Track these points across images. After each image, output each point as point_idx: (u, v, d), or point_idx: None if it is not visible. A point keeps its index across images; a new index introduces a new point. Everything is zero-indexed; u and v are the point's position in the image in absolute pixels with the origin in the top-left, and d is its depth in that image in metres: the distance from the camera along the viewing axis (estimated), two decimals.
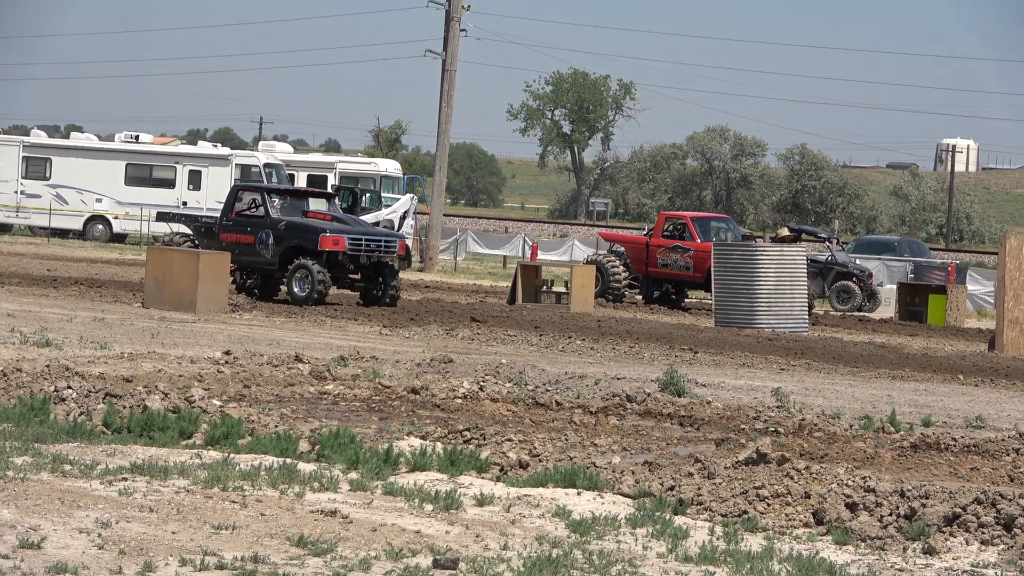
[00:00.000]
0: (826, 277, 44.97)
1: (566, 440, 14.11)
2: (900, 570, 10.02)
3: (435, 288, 42.38)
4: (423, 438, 13.53)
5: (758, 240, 42.44)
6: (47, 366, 16.32)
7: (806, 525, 11.19)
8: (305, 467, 11.97)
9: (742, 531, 10.87)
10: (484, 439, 13.59)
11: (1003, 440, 15.42)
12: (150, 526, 9.78)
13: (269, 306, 30.62)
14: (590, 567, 9.49)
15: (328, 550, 9.45)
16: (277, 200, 32.82)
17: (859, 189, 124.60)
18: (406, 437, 13.47)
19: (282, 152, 64.12)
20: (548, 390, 18.14)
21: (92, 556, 8.98)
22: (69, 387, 14.60)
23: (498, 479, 12.23)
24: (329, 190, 46.09)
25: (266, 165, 57.05)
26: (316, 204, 33.66)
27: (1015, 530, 10.71)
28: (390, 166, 62.91)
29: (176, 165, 58.67)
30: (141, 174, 58.87)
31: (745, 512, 11.33)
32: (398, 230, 45.38)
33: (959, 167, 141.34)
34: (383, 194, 55.60)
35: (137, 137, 61.01)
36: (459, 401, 16.61)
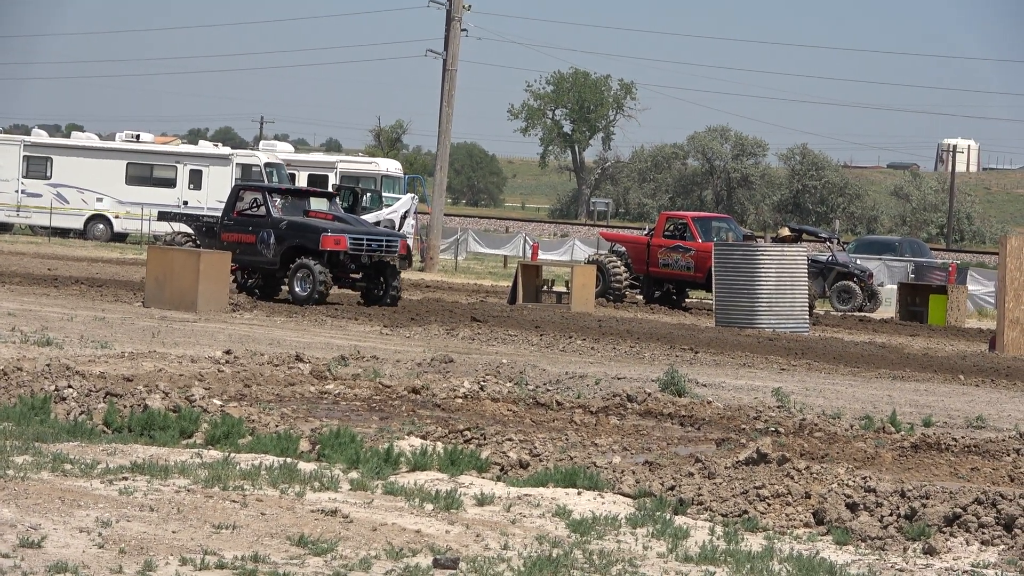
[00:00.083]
0: (827, 277, 44.96)
1: (566, 440, 14.11)
2: (900, 570, 10.02)
3: (436, 288, 42.38)
4: (423, 438, 13.53)
5: (759, 240, 42.41)
6: (48, 365, 16.32)
7: (806, 525, 11.19)
8: (305, 466, 11.97)
9: (742, 531, 10.87)
10: (484, 439, 13.59)
11: (1004, 440, 15.42)
12: (150, 525, 9.78)
13: (270, 305, 30.63)
14: (590, 567, 9.49)
15: (328, 550, 9.45)
16: (279, 200, 32.83)
17: (860, 189, 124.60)
18: (406, 437, 13.47)
19: (283, 152, 64.15)
20: (549, 390, 18.14)
21: (92, 555, 8.98)
22: (70, 386, 14.60)
23: (498, 479, 12.23)
24: (330, 190, 46.11)
25: (267, 165, 57.05)
26: (317, 204, 33.67)
27: (1015, 530, 10.71)
28: (391, 166, 62.94)
29: (177, 164, 58.67)
30: (142, 173, 58.87)
31: (745, 512, 11.34)
32: (399, 230, 45.37)
33: (960, 167, 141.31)
34: (384, 194, 55.64)
35: (138, 136, 61.01)
36: (460, 401, 16.61)
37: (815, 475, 11.89)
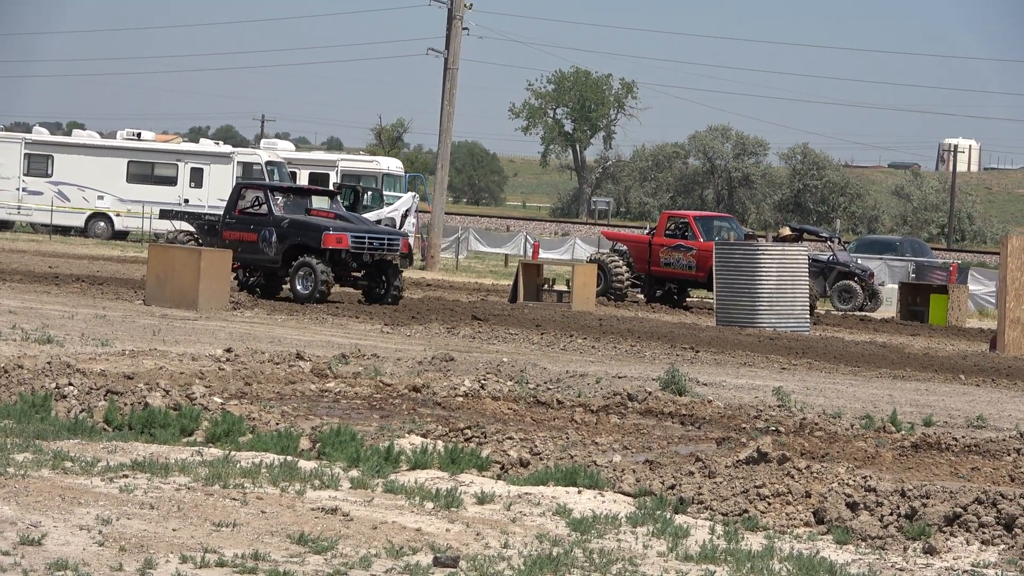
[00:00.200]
0: (828, 277, 44.96)
1: (567, 438, 14.11)
2: (901, 570, 10.02)
3: (436, 286, 42.39)
4: (424, 436, 13.53)
5: (760, 240, 42.40)
6: (48, 363, 16.32)
7: (807, 524, 11.19)
8: (306, 465, 11.97)
9: (743, 530, 10.87)
10: (485, 437, 13.59)
11: (1004, 440, 15.42)
12: (151, 523, 9.78)
13: (271, 304, 30.64)
14: (591, 566, 9.49)
15: (329, 548, 9.45)
16: (280, 198, 32.83)
17: (861, 189, 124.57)
18: (407, 435, 13.48)
19: (284, 150, 64.15)
20: (549, 388, 18.14)
21: (93, 553, 8.98)
22: (70, 384, 14.61)
23: (499, 477, 12.23)
24: (331, 188, 46.10)
25: (268, 163, 57.05)
26: (319, 202, 33.67)
27: (1016, 530, 10.71)
28: (392, 164, 62.93)
29: (178, 163, 58.67)
30: (143, 171, 58.88)
31: (746, 511, 11.34)
32: (400, 228, 45.39)
33: (961, 167, 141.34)
34: (385, 192, 55.62)
35: (139, 134, 61.01)
36: (460, 399, 16.62)
37: (815, 474, 11.89)
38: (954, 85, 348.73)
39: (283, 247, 31.89)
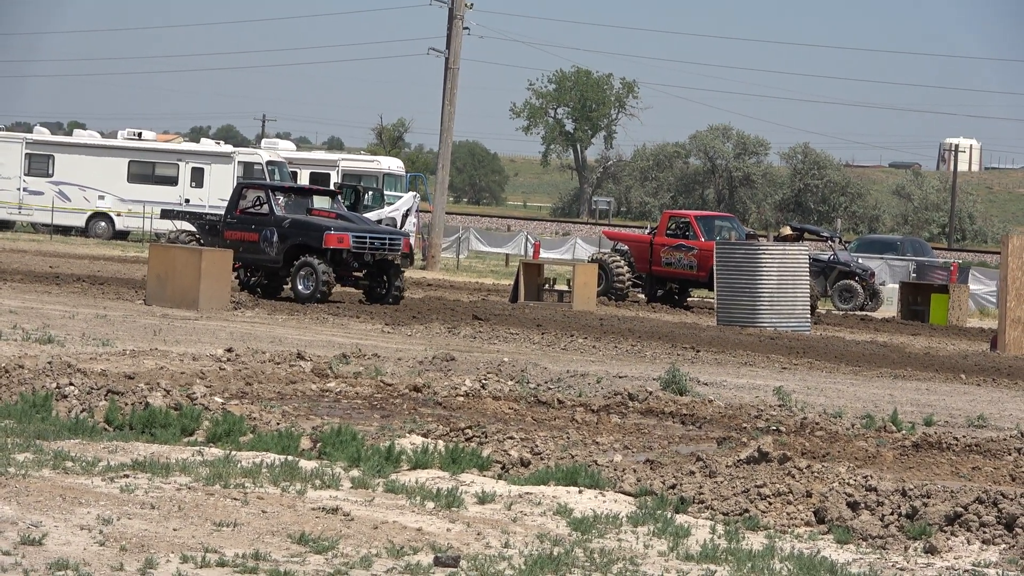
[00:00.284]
0: (828, 276, 44.95)
1: (568, 438, 14.10)
2: (901, 569, 10.02)
3: (437, 286, 42.39)
4: (425, 436, 13.54)
5: (761, 239, 42.39)
6: (49, 363, 16.33)
7: (807, 524, 11.19)
8: (307, 464, 11.97)
9: (743, 530, 10.87)
10: (486, 437, 13.60)
11: (1005, 440, 15.41)
12: (151, 523, 9.78)
13: (271, 304, 30.64)
14: (591, 565, 9.49)
15: (329, 547, 9.46)
16: (281, 198, 32.84)
17: (862, 188, 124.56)
18: (408, 435, 13.48)
19: (285, 150, 64.14)
20: (550, 388, 18.14)
21: (93, 553, 8.98)
22: (71, 384, 14.61)
23: (500, 477, 12.23)
24: (332, 188, 46.10)
25: (269, 163, 57.05)
26: (320, 202, 33.68)
27: (1016, 530, 10.71)
28: (393, 164, 62.93)
29: (179, 162, 58.67)
30: (144, 171, 58.88)
31: (746, 511, 11.34)
32: (401, 228, 45.40)
33: (962, 167, 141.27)
34: (386, 192, 55.63)
35: (140, 134, 61.01)
36: (461, 399, 16.61)
37: (816, 474, 11.89)
38: (954, 85, 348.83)
39: (284, 247, 31.89)
